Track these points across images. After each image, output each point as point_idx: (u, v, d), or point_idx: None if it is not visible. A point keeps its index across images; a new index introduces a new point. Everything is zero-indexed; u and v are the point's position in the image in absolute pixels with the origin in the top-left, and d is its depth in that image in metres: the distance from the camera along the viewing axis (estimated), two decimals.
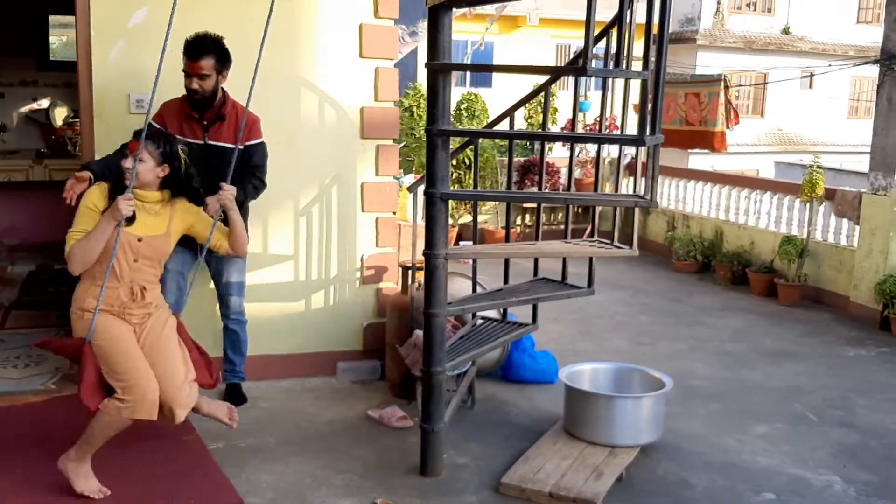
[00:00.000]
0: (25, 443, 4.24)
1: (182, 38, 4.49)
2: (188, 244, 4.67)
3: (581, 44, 3.47)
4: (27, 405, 4.73)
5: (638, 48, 3.85)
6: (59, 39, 9.47)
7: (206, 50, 4.44)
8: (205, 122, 4.58)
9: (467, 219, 10.82)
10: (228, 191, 3.99)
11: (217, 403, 4.06)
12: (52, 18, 9.06)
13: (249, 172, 4.68)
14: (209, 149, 4.58)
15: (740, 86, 21.39)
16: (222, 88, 4.64)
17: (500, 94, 15.11)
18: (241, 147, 4.61)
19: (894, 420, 5.14)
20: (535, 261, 4.89)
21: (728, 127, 10.41)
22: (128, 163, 3.64)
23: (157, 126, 4.46)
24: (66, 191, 4.04)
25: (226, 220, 4.02)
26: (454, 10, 3.85)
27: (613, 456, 4.25)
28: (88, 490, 3.72)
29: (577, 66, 3.59)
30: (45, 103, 9.00)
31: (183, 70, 4.44)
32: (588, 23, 3.35)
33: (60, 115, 8.95)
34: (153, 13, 4.79)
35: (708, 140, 10.55)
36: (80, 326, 3.71)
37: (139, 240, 3.69)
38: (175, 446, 4.33)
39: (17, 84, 8.94)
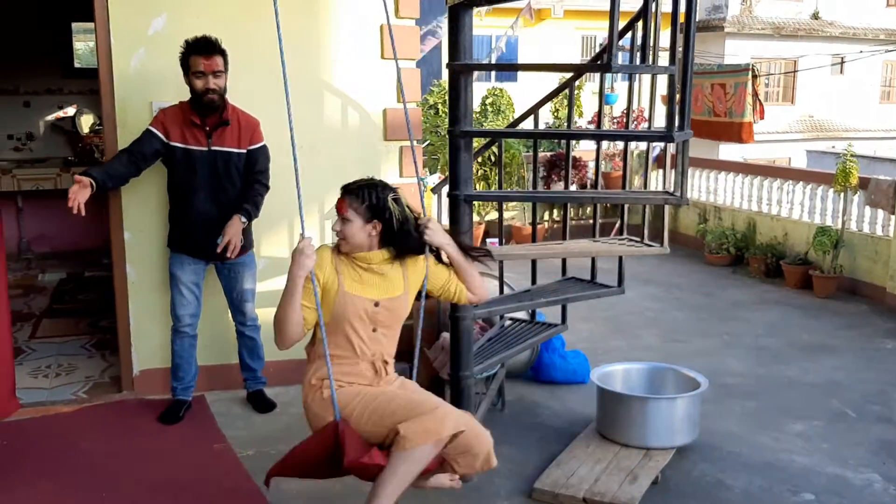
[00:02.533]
0: (56, 453, 4.24)
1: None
2: (199, 253, 4.63)
3: (607, 35, 3.38)
4: (58, 415, 4.73)
5: (664, 37, 3.75)
6: (86, 45, 9.47)
7: (217, 47, 4.41)
8: (207, 128, 4.48)
9: (494, 216, 10.73)
10: (432, 227, 3.22)
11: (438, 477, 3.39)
12: (78, 25, 9.06)
13: (254, 178, 4.62)
14: (214, 155, 4.50)
15: (770, 74, 21.13)
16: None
17: (526, 89, 15.03)
18: (244, 151, 4.57)
19: None
20: (564, 259, 4.81)
21: (755, 119, 10.24)
22: (336, 225, 3.13)
23: (162, 137, 4.42)
24: (71, 200, 4.12)
25: (438, 258, 3.34)
26: (474, 8, 3.78)
27: (648, 458, 4.17)
28: None
29: (601, 63, 3.51)
30: (71, 111, 9.03)
31: (193, 72, 4.36)
32: (612, 17, 3.27)
33: (87, 122, 8.96)
34: (172, 20, 4.77)
35: (735, 132, 10.39)
36: (316, 407, 3.16)
37: (375, 304, 3.15)
38: (205, 455, 4.31)
39: (43, 92, 8.96)
